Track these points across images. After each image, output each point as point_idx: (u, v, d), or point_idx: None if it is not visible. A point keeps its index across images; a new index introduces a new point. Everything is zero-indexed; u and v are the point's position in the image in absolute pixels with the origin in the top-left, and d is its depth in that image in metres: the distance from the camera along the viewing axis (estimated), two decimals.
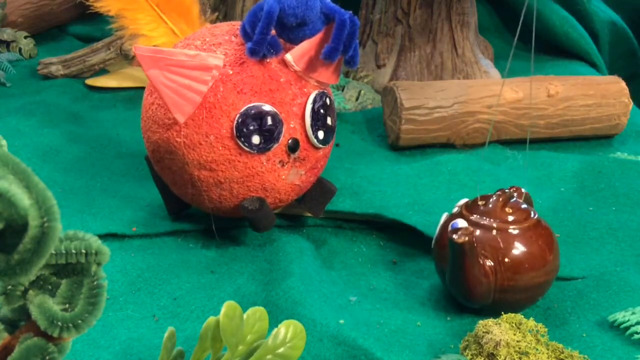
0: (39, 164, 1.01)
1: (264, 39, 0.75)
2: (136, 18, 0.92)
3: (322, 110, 0.80)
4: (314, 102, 0.79)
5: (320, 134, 0.80)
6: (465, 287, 0.70)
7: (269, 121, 0.76)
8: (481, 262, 0.70)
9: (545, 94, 1.10)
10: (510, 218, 0.73)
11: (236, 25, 0.82)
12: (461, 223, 0.72)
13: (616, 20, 1.57)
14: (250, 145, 0.77)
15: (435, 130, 1.07)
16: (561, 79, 1.14)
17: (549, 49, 1.46)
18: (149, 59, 0.74)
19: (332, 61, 0.78)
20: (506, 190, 0.75)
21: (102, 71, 1.31)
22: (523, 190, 0.77)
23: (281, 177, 0.79)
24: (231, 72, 0.77)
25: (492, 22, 1.57)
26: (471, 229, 0.70)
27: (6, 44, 1.39)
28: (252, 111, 0.76)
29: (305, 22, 0.76)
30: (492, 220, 0.72)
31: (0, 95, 1.24)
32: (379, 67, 1.26)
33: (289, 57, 0.78)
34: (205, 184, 0.79)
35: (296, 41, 0.78)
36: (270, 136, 0.77)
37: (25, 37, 1.41)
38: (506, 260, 0.71)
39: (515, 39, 0.68)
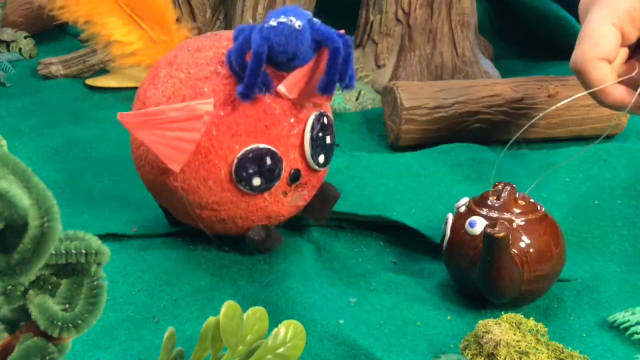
0: (39, 164, 1.01)
1: (255, 82, 0.70)
2: (106, 23, 0.86)
3: (320, 134, 0.77)
4: (312, 129, 0.76)
5: (321, 158, 0.78)
6: (499, 281, 0.71)
7: (269, 161, 0.74)
8: (511, 255, 0.71)
9: (545, 94, 1.10)
10: (525, 210, 0.74)
11: (220, 47, 0.76)
12: (479, 220, 0.73)
13: None
14: (252, 187, 0.74)
15: (435, 130, 1.07)
16: (561, 79, 1.14)
17: (549, 49, 1.46)
18: (136, 124, 0.71)
19: (330, 94, 0.73)
20: (508, 184, 0.76)
21: (102, 71, 1.31)
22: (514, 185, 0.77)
23: (285, 204, 0.78)
24: (223, 114, 0.73)
25: (492, 22, 1.57)
26: (506, 223, 0.70)
27: (6, 44, 1.39)
28: (250, 154, 0.73)
29: (297, 56, 0.71)
30: (509, 213, 0.73)
31: (0, 95, 1.24)
32: (379, 67, 1.26)
33: (282, 88, 0.73)
34: (208, 221, 0.78)
35: (287, 71, 0.73)
36: (271, 176, 0.74)
37: (25, 37, 1.41)
38: (531, 250, 0.72)
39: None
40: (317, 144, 0.77)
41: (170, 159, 0.73)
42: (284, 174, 0.75)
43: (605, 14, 0.77)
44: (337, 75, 0.71)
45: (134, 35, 0.87)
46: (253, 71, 0.70)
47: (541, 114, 0.94)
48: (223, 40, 0.77)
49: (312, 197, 0.83)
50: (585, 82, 0.78)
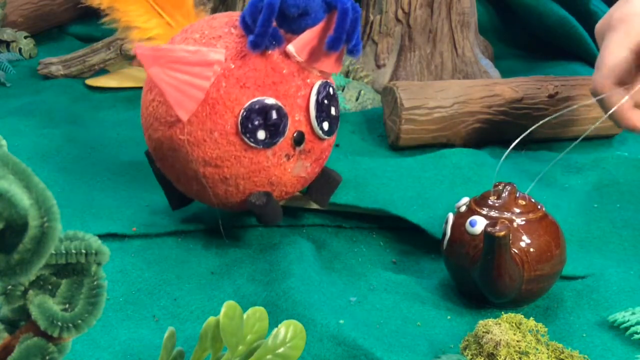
0: (39, 164, 1.01)
1: (266, 31, 0.74)
2: (128, 10, 0.89)
3: (326, 101, 0.79)
4: (318, 93, 0.78)
5: (325, 125, 0.80)
6: (499, 281, 0.71)
7: (274, 115, 0.75)
8: (512, 254, 0.71)
9: (545, 94, 1.10)
10: (525, 209, 0.74)
11: (234, 16, 0.80)
12: (479, 220, 0.73)
13: None
14: (256, 140, 0.76)
15: (435, 130, 1.07)
16: (561, 79, 1.14)
17: (549, 49, 1.46)
18: (150, 57, 0.73)
19: (336, 51, 0.77)
20: (508, 183, 0.76)
21: (102, 71, 1.31)
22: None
23: (287, 170, 0.79)
24: (233, 66, 0.76)
25: (492, 22, 1.57)
26: (506, 222, 0.70)
27: (6, 44, 1.39)
28: (257, 106, 0.75)
29: (307, 12, 0.75)
30: (510, 213, 0.74)
31: (0, 95, 1.24)
32: (379, 67, 1.26)
33: (291, 48, 0.76)
34: (211, 180, 0.78)
35: (297, 32, 0.77)
36: (275, 130, 0.76)
37: (25, 37, 1.41)
38: (532, 250, 0.72)
39: None
40: (322, 110, 0.79)
41: (179, 104, 0.75)
42: (288, 133, 0.77)
43: (621, 39, 0.78)
44: (345, 34, 0.75)
45: (153, 22, 0.90)
46: (264, 21, 0.73)
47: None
48: (236, 15, 0.80)
49: (314, 178, 0.84)
50: (603, 107, 0.81)
